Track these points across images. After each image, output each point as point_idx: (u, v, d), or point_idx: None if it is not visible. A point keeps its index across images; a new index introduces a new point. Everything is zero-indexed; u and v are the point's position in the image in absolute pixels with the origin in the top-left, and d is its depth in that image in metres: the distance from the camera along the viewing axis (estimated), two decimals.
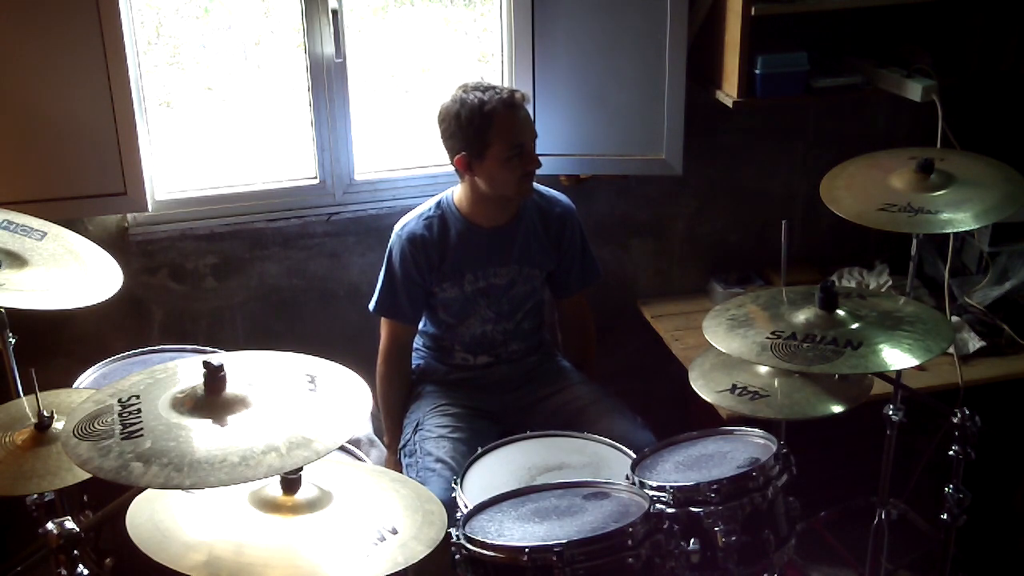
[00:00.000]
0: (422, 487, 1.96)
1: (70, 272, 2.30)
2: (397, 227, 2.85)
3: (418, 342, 3.00)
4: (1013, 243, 3.14)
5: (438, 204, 2.84)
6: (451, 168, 2.83)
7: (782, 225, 2.37)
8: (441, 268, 2.79)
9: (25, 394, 2.21)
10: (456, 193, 2.83)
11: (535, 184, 2.80)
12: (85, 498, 2.33)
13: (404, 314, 2.84)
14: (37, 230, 2.39)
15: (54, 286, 2.24)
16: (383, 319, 2.88)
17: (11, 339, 2.29)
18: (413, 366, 3.00)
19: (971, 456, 2.19)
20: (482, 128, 2.63)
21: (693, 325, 3.16)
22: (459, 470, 2.56)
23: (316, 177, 3.14)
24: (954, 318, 3.05)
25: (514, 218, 2.82)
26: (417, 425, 2.81)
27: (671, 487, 2.15)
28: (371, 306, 2.87)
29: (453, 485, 2.38)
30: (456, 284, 2.81)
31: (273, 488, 1.74)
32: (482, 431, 2.79)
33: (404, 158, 3.31)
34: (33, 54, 2.68)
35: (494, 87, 2.68)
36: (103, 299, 2.27)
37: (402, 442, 2.82)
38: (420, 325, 2.96)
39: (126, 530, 1.66)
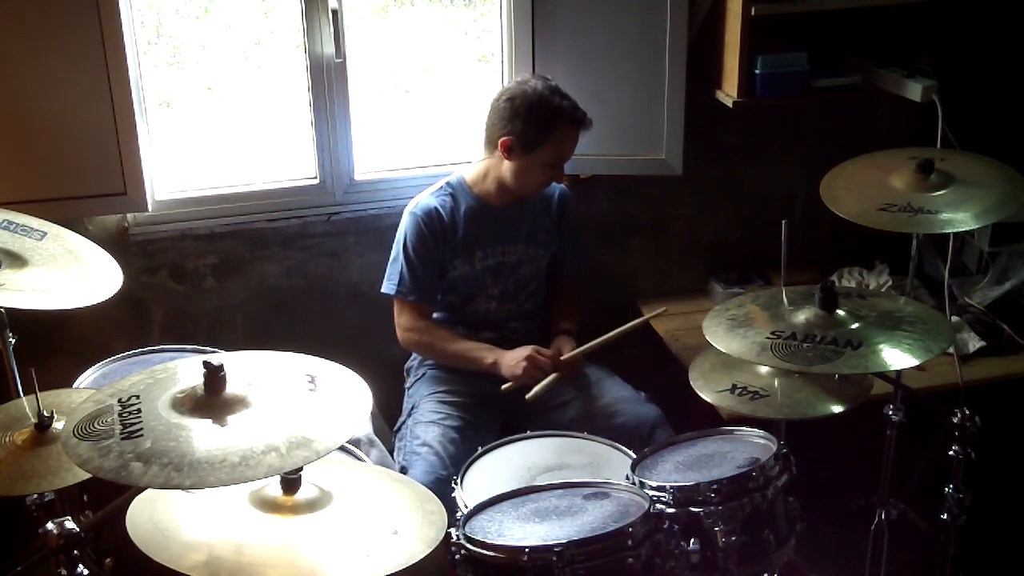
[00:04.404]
0: (422, 487, 1.96)
1: (70, 272, 2.30)
2: (410, 207, 2.87)
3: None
4: (1013, 243, 3.14)
5: (448, 184, 2.89)
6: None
7: (782, 225, 2.37)
8: (454, 243, 2.84)
9: (25, 394, 2.20)
10: (468, 173, 2.89)
11: None
12: (85, 498, 2.33)
13: (427, 293, 2.84)
14: (37, 230, 2.39)
15: (54, 286, 2.23)
16: (401, 301, 2.85)
17: (11, 339, 2.29)
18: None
19: (971, 456, 2.19)
20: (546, 129, 2.71)
21: (693, 325, 3.16)
22: (445, 456, 2.58)
23: (316, 177, 3.14)
24: (954, 318, 3.05)
25: (520, 199, 2.88)
26: (412, 408, 2.84)
27: (671, 487, 2.15)
28: (390, 289, 2.84)
29: (453, 484, 2.38)
30: (467, 261, 2.85)
31: (273, 488, 1.74)
32: (479, 420, 2.80)
33: (404, 158, 3.31)
34: (33, 54, 2.68)
35: (570, 98, 2.75)
36: (103, 299, 2.27)
37: (397, 424, 2.84)
38: None
39: (126, 530, 1.66)
